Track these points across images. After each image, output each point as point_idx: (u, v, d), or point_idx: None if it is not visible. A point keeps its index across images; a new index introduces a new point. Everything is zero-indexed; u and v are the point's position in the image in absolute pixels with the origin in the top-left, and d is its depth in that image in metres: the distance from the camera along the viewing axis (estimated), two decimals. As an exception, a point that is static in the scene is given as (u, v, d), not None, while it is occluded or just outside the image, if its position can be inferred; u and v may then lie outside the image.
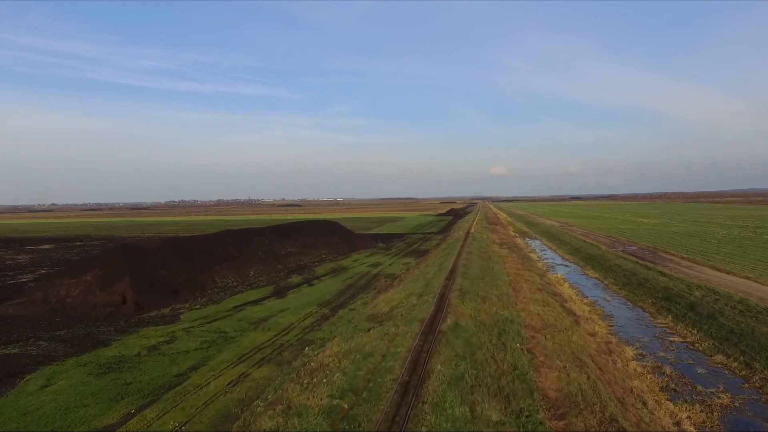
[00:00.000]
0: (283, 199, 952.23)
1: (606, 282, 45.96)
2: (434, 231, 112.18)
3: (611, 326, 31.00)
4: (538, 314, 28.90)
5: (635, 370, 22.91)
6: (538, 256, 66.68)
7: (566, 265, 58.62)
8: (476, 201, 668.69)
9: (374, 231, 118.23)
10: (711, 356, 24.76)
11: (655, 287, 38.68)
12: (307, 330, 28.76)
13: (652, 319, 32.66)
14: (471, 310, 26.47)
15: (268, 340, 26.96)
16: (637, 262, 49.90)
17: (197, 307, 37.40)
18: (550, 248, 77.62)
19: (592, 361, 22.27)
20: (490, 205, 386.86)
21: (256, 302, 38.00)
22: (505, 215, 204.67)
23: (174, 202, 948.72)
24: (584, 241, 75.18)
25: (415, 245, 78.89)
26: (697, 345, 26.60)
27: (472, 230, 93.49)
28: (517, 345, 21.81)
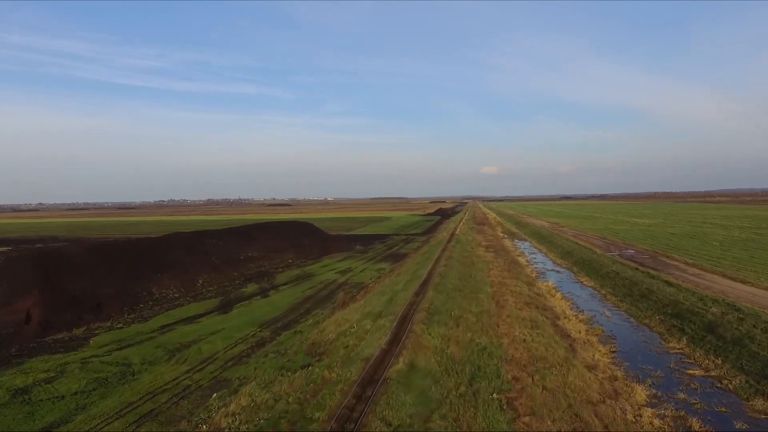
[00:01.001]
0: (274, 199, 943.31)
1: (603, 292, 40.29)
2: (418, 232, 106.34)
3: (614, 352, 25.17)
4: (524, 341, 22.99)
5: (652, 424, 17.09)
6: (527, 261, 61.00)
7: (558, 271, 52.95)
8: (467, 200, 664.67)
9: (356, 232, 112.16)
10: (748, 401, 19.02)
11: (662, 300, 33.01)
12: (230, 363, 22.60)
13: (662, 342, 26.90)
14: (438, 340, 20.50)
15: (175, 379, 20.77)
16: (637, 269, 44.32)
17: (119, 326, 31.11)
18: (541, 251, 72.05)
19: (595, 416, 16.40)
20: (480, 205, 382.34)
21: (191, 319, 31.78)
22: (494, 215, 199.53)
23: (164, 201, 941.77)
24: (577, 243, 69.70)
25: (395, 248, 72.92)
26: (726, 382, 20.85)
27: (458, 231, 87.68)
28: (494, 395, 15.88)
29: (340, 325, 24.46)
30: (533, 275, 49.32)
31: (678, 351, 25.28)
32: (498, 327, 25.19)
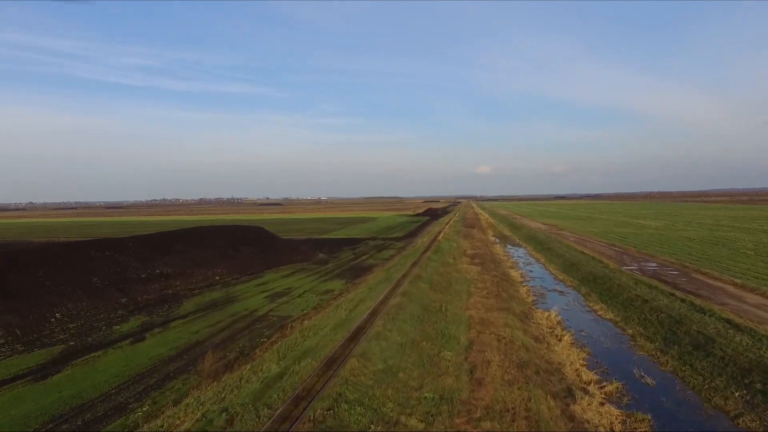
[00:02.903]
0: (267, 198, 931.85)
1: (630, 331, 28.16)
2: (398, 236, 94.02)
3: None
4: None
5: None
6: (521, 275, 48.86)
7: (562, 292, 40.83)
8: (461, 200, 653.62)
9: (331, 235, 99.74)
10: None
11: (734, 358, 20.92)
12: None
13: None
14: None
15: None
16: (673, 294, 32.24)
17: None
18: (538, 260, 59.95)
19: None
20: (474, 205, 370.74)
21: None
22: (486, 215, 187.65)
23: (156, 200, 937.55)
24: (582, 252, 57.62)
25: (363, 257, 60.58)
26: None
27: (441, 236, 75.38)
28: None
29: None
30: (529, 300, 37.13)
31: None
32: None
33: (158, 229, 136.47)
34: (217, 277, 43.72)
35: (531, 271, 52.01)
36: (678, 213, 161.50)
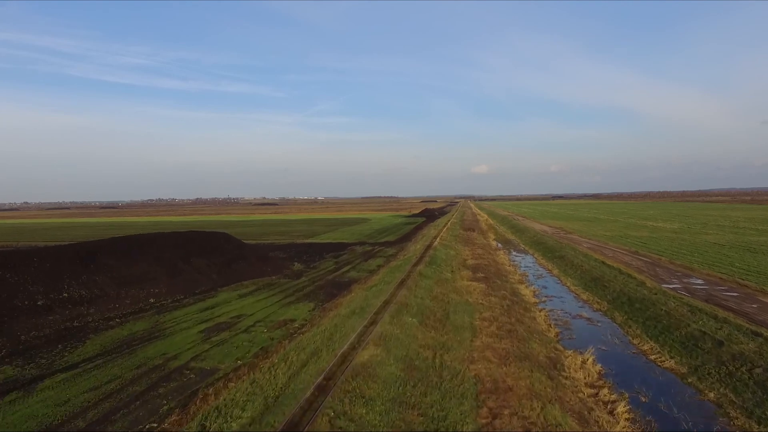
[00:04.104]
0: (264, 198, 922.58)
1: (712, 395, 19.18)
2: (391, 240, 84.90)
3: None
4: None
5: None
6: (533, 293, 39.92)
7: (590, 320, 31.87)
8: (458, 200, 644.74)
9: (317, 239, 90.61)
10: None
11: None
12: None
13: None
14: None
15: None
16: (759, 334, 23.25)
17: None
18: (550, 272, 51.00)
19: None
20: (471, 205, 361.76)
21: None
22: (485, 216, 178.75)
23: (152, 200, 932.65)
24: (603, 262, 48.66)
25: (344, 269, 51.50)
26: None
27: (437, 242, 66.30)
28: None
29: None
30: (552, 334, 28.15)
31: None
32: None
33: (141, 230, 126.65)
34: (152, 300, 34.51)
35: (545, 288, 43.03)
36: (687, 213, 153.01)
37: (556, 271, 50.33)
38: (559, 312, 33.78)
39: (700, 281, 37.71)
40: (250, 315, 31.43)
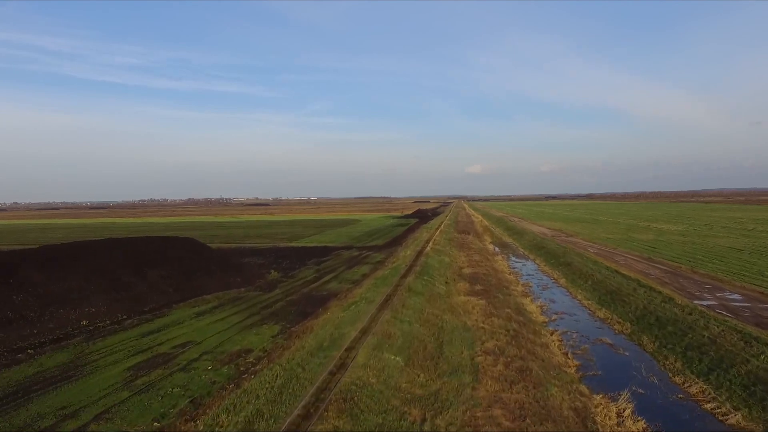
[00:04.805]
0: (257, 198, 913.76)
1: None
2: (379, 244, 79.14)
3: None
4: None
5: None
6: (540, 309, 34.36)
7: (613, 346, 26.33)
8: (451, 200, 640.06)
9: (301, 242, 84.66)
10: None
11: None
12: None
13: None
14: None
15: None
16: None
17: None
18: (556, 282, 45.54)
19: None
20: (465, 205, 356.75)
21: None
22: (480, 217, 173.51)
23: (144, 200, 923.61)
24: (616, 271, 43.20)
25: (325, 278, 45.74)
26: None
27: (430, 247, 60.62)
28: None
29: None
30: (571, 368, 22.55)
31: None
32: None
33: (117, 232, 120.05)
34: (85, 322, 28.49)
35: (552, 302, 37.50)
36: (687, 214, 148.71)
37: (563, 281, 44.86)
38: (574, 335, 28.23)
39: (736, 296, 32.28)
40: (199, 343, 25.55)
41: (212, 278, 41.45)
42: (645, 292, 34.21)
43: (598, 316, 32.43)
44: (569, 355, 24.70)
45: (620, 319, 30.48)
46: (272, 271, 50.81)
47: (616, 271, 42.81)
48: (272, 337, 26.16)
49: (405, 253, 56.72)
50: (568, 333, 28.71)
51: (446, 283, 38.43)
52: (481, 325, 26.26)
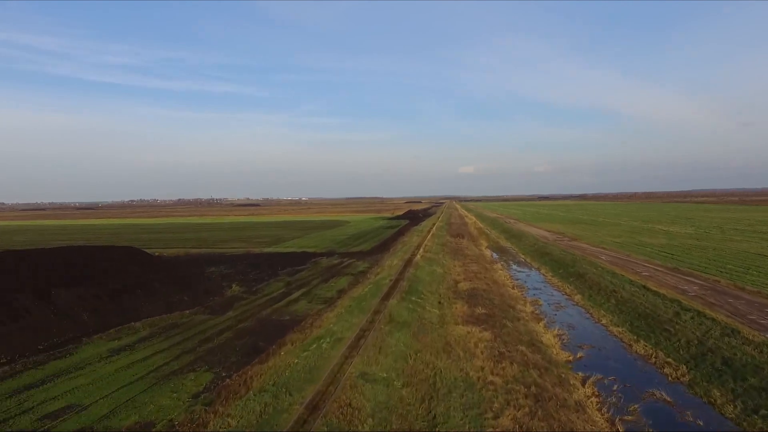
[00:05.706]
0: (248, 199, 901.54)
1: None
2: (366, 249, 71.47)
3: None
4: None
5: None
6: (559, 341, 26.93)
7: (671, 404, 18.91)
8: (443, 200, 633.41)
9: (280, 247, 76.69)
10: None
11: None
12: None
13: None
14: None
15: None
16: None
17: None
18: (569, 298, 38.15)
19: None
20: (458, 206, 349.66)
21: None
22: (474, 219, 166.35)
23: (134, 201, 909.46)
24: (644, 287, 35.82)
25: (294, 294, 38.09)
26: None
27: (420, 254, 53.01)
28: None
29: None
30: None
31: None
32: None
33: (97, 234, 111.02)
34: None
35: (572, 327, 30.09)
36: (687, 215, 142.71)
37: (578, 298, 37.49)
38: (614, 386, 20.77)
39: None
40: (86, 408, 17.72)
41: (152, 298, 33.50)
42: (692, 318, 26.91)
43: (636, 352, 25.05)
44: (617, 423, 17.25)
45: (669, 359, 23.11)
46: (234, 285, 42.99)
47: (644, 287, 35.50)
48: (192, 397, 18.36)
49: (391, 263, 49.07)
50: (604, 381, 21.29)
51: (439, 303, 30.87)
52: (490, 377, 18.71)
